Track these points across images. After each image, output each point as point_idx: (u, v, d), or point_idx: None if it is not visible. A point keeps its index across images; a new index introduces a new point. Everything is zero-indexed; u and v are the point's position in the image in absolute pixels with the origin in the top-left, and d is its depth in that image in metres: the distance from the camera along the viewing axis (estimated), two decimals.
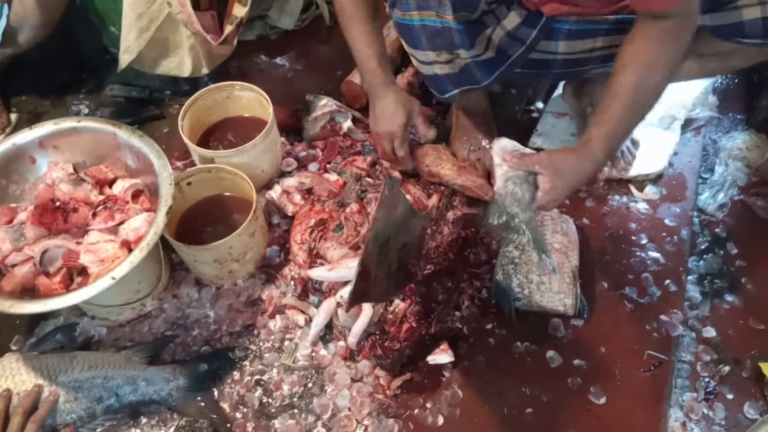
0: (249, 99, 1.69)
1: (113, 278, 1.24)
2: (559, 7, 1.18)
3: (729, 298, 1.50)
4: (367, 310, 1.38)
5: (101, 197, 1.44)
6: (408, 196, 1.58)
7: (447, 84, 1.39)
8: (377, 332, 1.41)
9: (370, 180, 1.66)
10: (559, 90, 1.81)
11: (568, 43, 1.27)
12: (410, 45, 1.36)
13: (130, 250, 1.32)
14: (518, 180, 1.19)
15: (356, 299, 1.23)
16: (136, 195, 1.45)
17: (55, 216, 1.39)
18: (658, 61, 1.11)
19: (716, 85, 1.91)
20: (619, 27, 1.23)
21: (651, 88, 1.14)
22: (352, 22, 1.41)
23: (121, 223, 1.38)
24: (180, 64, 1.80)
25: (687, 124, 1.78)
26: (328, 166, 1.73)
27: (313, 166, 1.73)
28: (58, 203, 1.39)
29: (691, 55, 1.35)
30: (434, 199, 1.62)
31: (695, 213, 1.64)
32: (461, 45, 1.26)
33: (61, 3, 1.78)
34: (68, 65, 2.03)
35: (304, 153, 1.76)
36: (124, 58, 1.75)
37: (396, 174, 1.68)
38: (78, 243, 1.37)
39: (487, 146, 1.63)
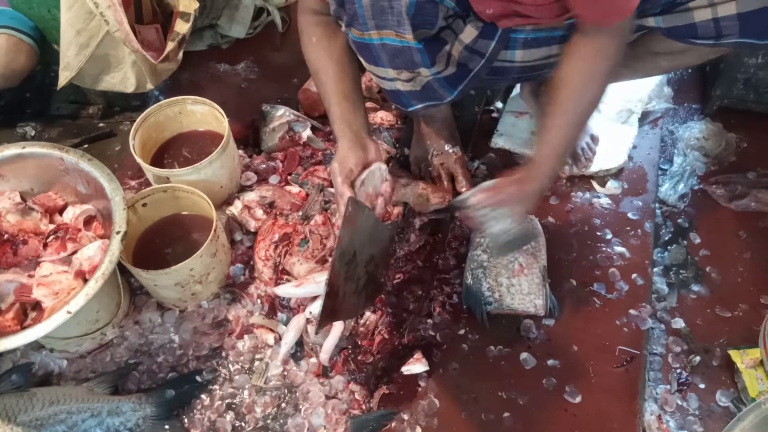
0: (203, 113, 1.64)
1: (69, 312, 1.19)
2: (513, 19, 1.18)
3: (695, 287, 1.52)
4: (338, 325, 1.36)
5: (52, 226, 1.39)
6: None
7: (410, 99, 1.36)
8: (349, 346, 1.39)
9: (333, 190, 1.63)
10: (517, 89, 1.81)
11: (524, 51, 1.27)
12: (370, 63, 1.30)
13: (86, 281, 1.26)
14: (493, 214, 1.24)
15: (326, 319, 1.21)
16: (88, 221, 1.40)
17: (3, 249, 1.33)
18: (598, 74, 1.17)
19: (671, 76, 1.93)
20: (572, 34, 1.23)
21: (591, 99, 1.20)
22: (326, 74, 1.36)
23: (74, 252, 1.33)
24: (123, 79, 1.74)
25: (644, 117, 1.79)
26: (289, 177, 1.69)
27: (273, 179, 1.69)
28: (6, 236, 1.34)
29: (645, 54, 1.36)
30: (399, 207, 1.59)
31: (657, 205, 1.65)
32: (422, 64, 1.23)
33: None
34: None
35: (264, 165, 1.72)
36: (64, 75, 1.69)
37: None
38: (30, 276, 1.31)
39: (450, 150, 1.61)
